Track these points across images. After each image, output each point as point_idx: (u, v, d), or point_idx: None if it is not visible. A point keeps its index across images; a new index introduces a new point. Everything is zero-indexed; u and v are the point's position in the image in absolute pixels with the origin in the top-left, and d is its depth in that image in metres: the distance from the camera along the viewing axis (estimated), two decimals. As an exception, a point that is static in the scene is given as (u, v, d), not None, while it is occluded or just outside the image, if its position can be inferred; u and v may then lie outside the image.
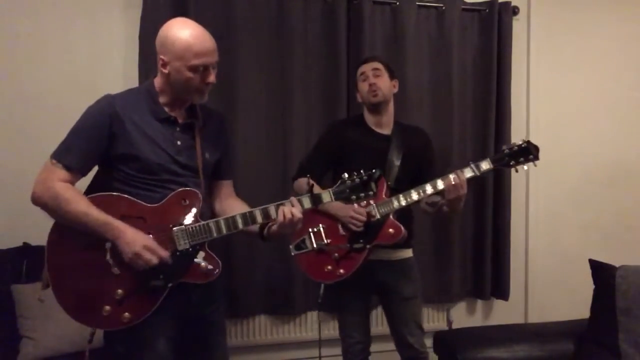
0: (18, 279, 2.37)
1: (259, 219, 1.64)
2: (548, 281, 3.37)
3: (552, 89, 3.34)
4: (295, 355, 3.01)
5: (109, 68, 2.73)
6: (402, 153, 2.22)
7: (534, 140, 3.24)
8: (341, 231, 2.14)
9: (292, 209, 1.62)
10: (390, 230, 2.12)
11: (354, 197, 1.67)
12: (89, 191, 1.62)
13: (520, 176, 3.27)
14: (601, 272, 2.15)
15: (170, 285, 1.57)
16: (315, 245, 2.11)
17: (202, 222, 1.61)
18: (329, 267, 2.12)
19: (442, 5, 3.07)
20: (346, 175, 1.68)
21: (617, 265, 2.10)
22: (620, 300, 2.01)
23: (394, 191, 2.13)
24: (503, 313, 3.28)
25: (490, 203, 3.16)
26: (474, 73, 3.16)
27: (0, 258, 2.40)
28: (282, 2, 2.84)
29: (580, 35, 3.38)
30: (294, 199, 1.66)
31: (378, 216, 2.10)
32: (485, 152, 3.09)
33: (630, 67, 3.46)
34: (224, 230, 1.62)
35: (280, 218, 1.61)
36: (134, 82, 2.65)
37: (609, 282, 2.06)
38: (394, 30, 3.01)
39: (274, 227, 1.67)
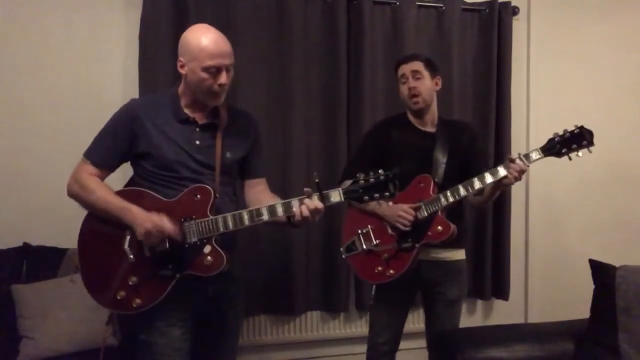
0: (18, 279, 2.38)
1: (266, 216, 1.68)
2: (548, 281, 3.37)
3: (552, 88, 3.35)
4: (295, 355, 3.01)
5: (109, 68, 2.73)
6: (447, 149, 2.18)
7: (532, 140, 3.30)
8: (389, 231, 2.12)
9: (314, 202, 1.64)
10: (439, 227, 2.08)
11: (367, 197, 1.67)
12: (125, 187, 1.78)
13: (520, 176, 3.28)
14: (601, 272, 2.14)
15: (177, 275, 1.65)
16: (364, 247, 2.13)
17: (211, 217, 1.66)
18: (379, 268, 2.11)
19: (442, 5, 3.07)
20: (362, 174, 1.67)
21: (617, 265, 2.10)
22: (620, 300, 2.01)
23: (442, 188, 2.10)
24: (503, 313, 3.28)
25: (490, 203, 3.15)
26: (474, 73, 3.16)
27: (0, 258, 2.40)
28: (282, 2, 2.84)
29: (580, 35, 3.38)
30: (295, 202, 1.66)
31: (425, 214, 2.08)
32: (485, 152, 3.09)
33: (630, 67, 3.46)
34: (231, 226, 1.67)
35: (298, 217, 1.65)
36: (134, 82, 2.66)
37: (609, 282, 2.05)
38: (394, 30, 3.01)
39: (295, 220, 1.69)
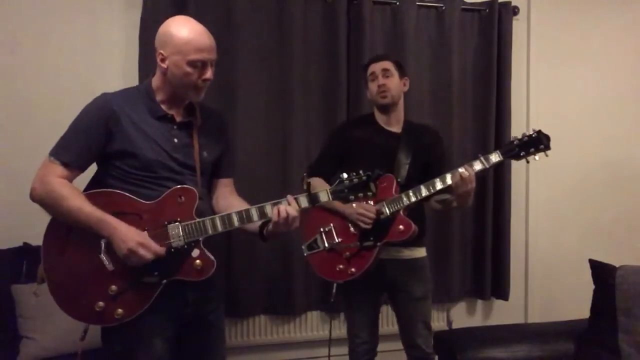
0: (18, 279, 2.37)
1: (255, 217, 1.64)
2: (548, 281, 3.37)
3: (552, 88, 3.34)
4: (295, 355, 3.01)
5: (109, 68, 2.73)
6: (411, 151, 2.21)
7: (533, 141, 3.29)
8: (352, 230, 2.13)
9: (287, 208, 1.62)
10: (400, 227, 2.10)
11: (352, 197, 1.67)
12: (88, 188, 1.63)
13: (520, 176, 3.28)
14: (601, 272, 2.15)
15: (164, 282, 1.57)
16: (326, 245, 2.13)
17: (198, 220, 1.60)
18: (341, 266, 2.12)
19: (442, 5, 3.07)
20: (345, 175, 1.68)
21: (617, 265, 2.10)
22: (620, 300, 2.01)
23: (404, 188, 2.12)
24: (503, 313, 3.28)
25: (490, 203, 3.15)
26: (474, 73, 3.16)
27: (0, 258, 2.40)
28: (282, 2, 2.84)
29: (580, 35, 3.38)
30: (290, 198, 1.65)
31: (388, 213, 2.09)
32: (485, 152, 3.08)
33: (630, 67, 3.45)
34: (220, 228, 1.61)
35: (275, 216, 1.61)
36: (134, 82, 2.65)
37: (609, 282, 2.06)
38: (394, 30, 3.02)
39: (270, 226, 1.66)
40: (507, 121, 3.16)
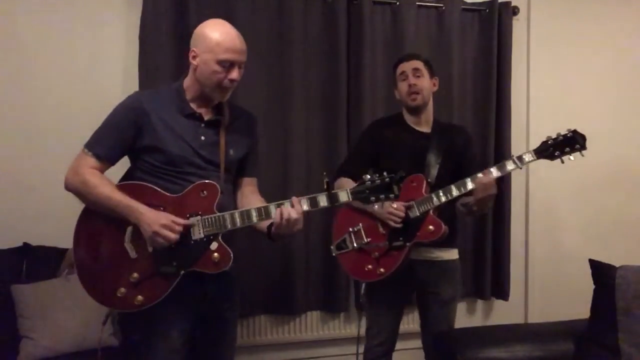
0: (18, 279, 2.37)
1: (274, 213, 1.68)
2: (548, 281, 3.37)
3: (552, 88, 3.35)
4: (295, 355, 3.01)
5: (109, 68, 2.73)
6: (442, 151, 2.19)
7: (533, 140, 3.30)
8: (381, 229, 2.12)
9: (289, 210, 1.65)
10: (431, 227, 2.07)
11: (373, 198, 1.69)
12: (121, 181, 1.72)
13: (520, 176, 3.28)
14: (601, 272, 2.14)
15: (182, 272, 1.64)
16: (355, 245, 2.14)
17: (218, 214, 1.66)
18: (370, 267, 2.11)
19: (442, 5, 3.07)
20: (368, 176, 1.70)
21: (617, 265, 2.10)
22: (620, 300, 2.01)
23: (435, 188, 2.10)
24: (503, 313, 3.28)
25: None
26: (474, 73, 3.16)
27: (0, 258, 2.40)
28: (282, 2, 2.84)
29: (580, 35, 3.38)
30: (295, 199, 1.68)
31: (417, 213, 2.07)
32: (485, 152, 3.09)
33: (630, 67, 3.45)
34: (238, 223, 1.67)
35: (277, 218, 1.65)
36: (134, 82, 2.65)
37: (609, 282, 2.05)
38: (394, 30, 3.02)
39: (273, 227, 1.70)
40: (507, 121, 3.16)
